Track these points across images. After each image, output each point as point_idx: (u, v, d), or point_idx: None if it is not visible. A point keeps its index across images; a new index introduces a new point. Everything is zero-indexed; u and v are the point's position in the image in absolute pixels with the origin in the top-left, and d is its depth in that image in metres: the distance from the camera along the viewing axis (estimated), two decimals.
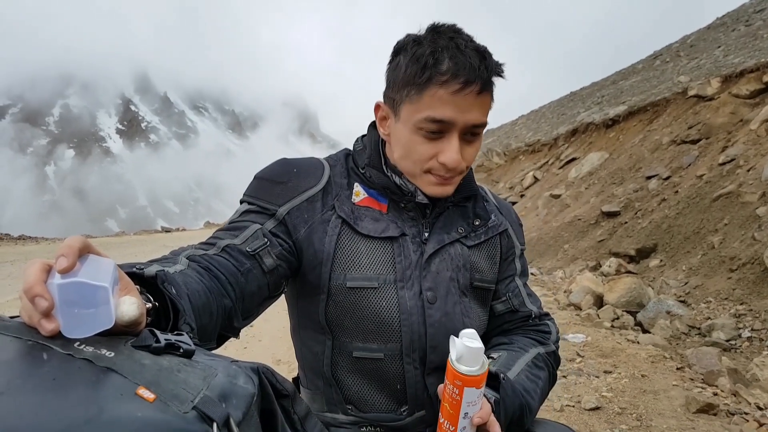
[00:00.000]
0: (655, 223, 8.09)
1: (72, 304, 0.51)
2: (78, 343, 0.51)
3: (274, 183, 1.11)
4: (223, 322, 0.90)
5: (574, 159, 15.09)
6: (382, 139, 1.17)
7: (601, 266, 8.00)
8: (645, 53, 25.34)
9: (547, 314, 1.31)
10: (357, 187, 1.14)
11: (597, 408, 3.47)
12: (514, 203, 16.18)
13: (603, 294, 6.39)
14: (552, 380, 1.22)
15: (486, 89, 1.00)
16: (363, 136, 1.21)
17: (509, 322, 1.25)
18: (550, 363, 1.22)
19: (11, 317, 0.55)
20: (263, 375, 0.57)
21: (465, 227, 1.18)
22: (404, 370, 1.09)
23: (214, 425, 0.45)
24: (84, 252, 0.56)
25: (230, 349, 4.85)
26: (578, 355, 4.59)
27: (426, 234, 1.13)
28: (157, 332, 0.56)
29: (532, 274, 9.23)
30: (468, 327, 1.06)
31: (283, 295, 1.15)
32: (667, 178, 9.31)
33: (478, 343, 0.89)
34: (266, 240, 1.02)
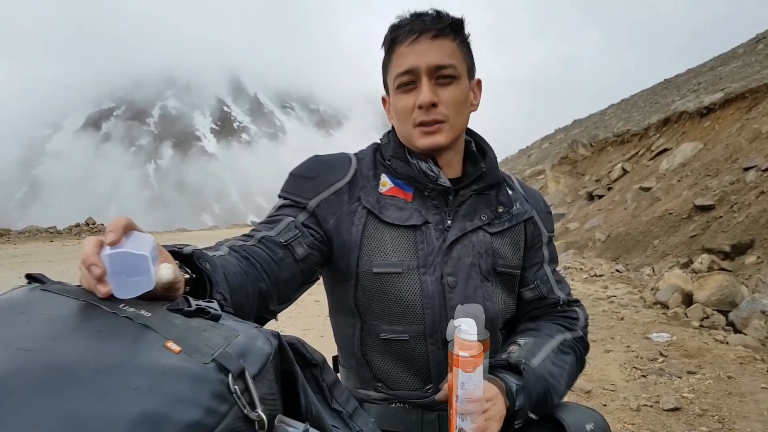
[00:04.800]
0: (752, 218, 7.61)
1: (120, 271, 0.62)
2: (123, 304, 0.60)
3: (304, 178, 1.22)
4: (260, 305, 1.01)
5: (665, 150, 14.36)
6: None
7: (692, 263, 7.62)
8: (746, 36, 23.59)
9: (577, 301, 1.35)
10: (384, 178, 1.24)
11: (676, 409, 3.38)
12: (600, 196, 15.64)
13: (692, 292, 6.10)
14: (580, 365, 1.27)
15: (442, 34, 1.13)
16: (389, 131, 1.32)
17: (538, 309, 1.31)
18: (578, 348, 1.27)
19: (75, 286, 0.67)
20: (287, 342, 0.64)
21: (488, 214, 1.24)
22: (428, 351, 1.17)
23: (230, 375, 0.53)
24: (129, 229, 0.67)
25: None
26: (661, 354, 4.45)
27: (449, 221, 1.20)
28: (191, 299, 0.65)
29: (617, 270, 8.94)
30: (490, 310, 1.15)
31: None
32: (767, 169, 8.71)
33: (468, 328, 0.94)
34: (298, 231, 1.12)
